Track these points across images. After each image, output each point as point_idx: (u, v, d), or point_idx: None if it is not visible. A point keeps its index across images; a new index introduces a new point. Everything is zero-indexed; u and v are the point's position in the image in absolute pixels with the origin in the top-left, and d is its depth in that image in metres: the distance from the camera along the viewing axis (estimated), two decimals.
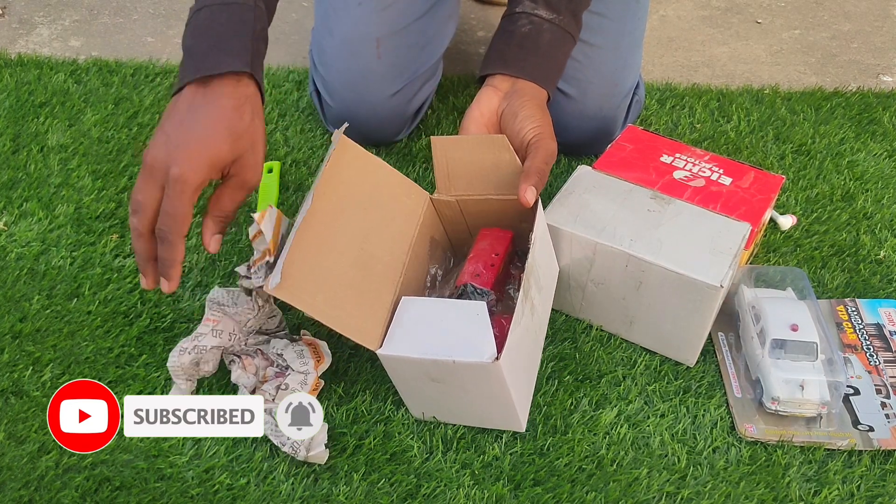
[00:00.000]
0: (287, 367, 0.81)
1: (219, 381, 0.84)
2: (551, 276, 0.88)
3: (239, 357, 0.82)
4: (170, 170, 0.70)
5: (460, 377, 0.74)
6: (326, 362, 0.81)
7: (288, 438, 0.75)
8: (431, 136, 0.86)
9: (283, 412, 0.76)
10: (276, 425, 0.76)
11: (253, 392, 0.79)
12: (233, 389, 0.83)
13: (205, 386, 0.83)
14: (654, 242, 0.84)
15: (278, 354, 0.82)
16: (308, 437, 0.76)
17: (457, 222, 0.92)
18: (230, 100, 0.74)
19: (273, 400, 0.78)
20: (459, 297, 0.83)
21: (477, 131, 0.88)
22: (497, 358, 0.71)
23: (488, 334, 0.73)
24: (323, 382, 0.83)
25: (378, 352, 0.76)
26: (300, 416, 0.76)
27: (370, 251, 0.81)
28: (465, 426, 0.81)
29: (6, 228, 1.00)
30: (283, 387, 0.79)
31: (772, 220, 1.06)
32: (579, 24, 0.93)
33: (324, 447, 0.76)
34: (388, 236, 0.84)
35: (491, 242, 0.87)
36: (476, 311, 0.75)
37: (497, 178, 0.85)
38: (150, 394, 0.83)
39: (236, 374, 0.81)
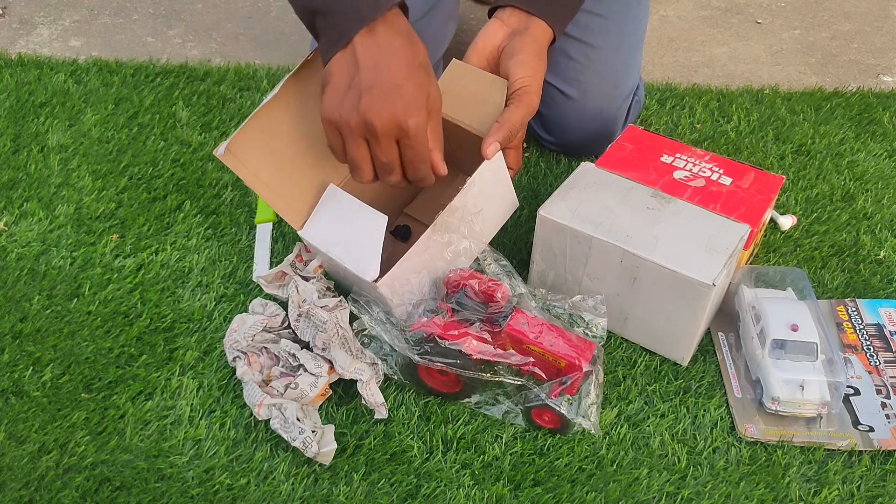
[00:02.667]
0: (299, 367, 0.81)
1: (219, 382, 0.84)
2: (498, 214, 0.90)
3: (245, 354, 0.82)
4: (407, 122, 0.72)
5: (357, 283, 0.82)
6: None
7: (300, 433, 0.75)
8: (454, 59, 0.88)
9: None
10: (286, 420, 0.76)
11: (260, 388, 0.79)
12: (234, 388, 0.83)
13: (205, 387, 0.83)
14: (650, 239, 0.84)
15: (291, 354, 0.82)
16: (319, 433, 0.76)
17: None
18: (402, 37, 0.74)
19: (282, 396, 0.78)
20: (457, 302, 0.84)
21: (477, 64, 0.88)
22: (377, 280, 0.79)
23: (377, 251, 0.78)
24: (331, 392, 0.83)
25: (299, 232, 0.87)
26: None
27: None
28: (463, 426, 0.81)
29: (6, 229, 1.00)
30: (292, 386, 0.79)
31: (772, 220, 1.06)
32: None
33: (333, 446, 0.76)
34: None
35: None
36: (375, 226, 0.79)
37: (478, 112, 0.85)
38: (149, 394, 0.83)
39: (242, 370, 0.81)
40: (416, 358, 0.79)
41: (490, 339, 0.80)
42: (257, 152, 0.84)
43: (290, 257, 0.91)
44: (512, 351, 0.80)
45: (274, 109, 0.83)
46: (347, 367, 0.80)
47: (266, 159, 0.85)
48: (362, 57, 0.72)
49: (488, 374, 0.80)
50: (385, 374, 0.82)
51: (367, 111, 0.72)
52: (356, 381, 0.80)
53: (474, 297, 0.83)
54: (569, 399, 0.80)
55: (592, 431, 0.80)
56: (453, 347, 0.78)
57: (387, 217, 0.81)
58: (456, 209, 0.83)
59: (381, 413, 0.79)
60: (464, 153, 0.91)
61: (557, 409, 0.78)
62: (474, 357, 0.78)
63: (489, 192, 0.87)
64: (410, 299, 0.85)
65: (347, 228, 0.84)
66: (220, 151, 0.80)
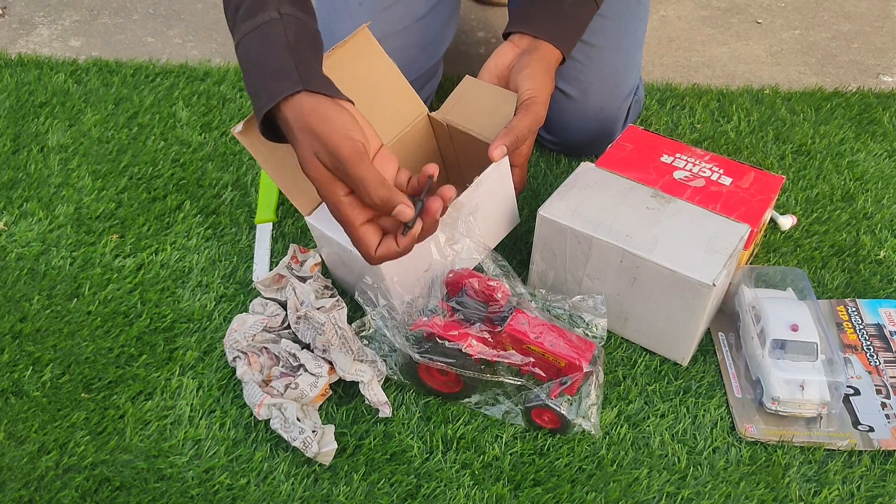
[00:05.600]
0: (299, 367, 0.81)
1: (219, 382, 0.84)
2: (500, 223, 0.93)
3: (245, 354, 0.82)
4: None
5: (357, 264, 0.83)
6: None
7: (300, 433, 0.75)
8: (467, 75, 0.93)
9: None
10: (286, 420, 0.76)
11: (260, 387, 0.79)
12: (234, 388, 0.83)
13: (205, 387, 0.83)
14: (650, 239, 0.84)
15: (291, 354, 0.82)
16: (320, 433, 0.76)
17: (447, 145, 0.98)
18: (292, 132, 0.72)
19: (282, 396, 0.78)
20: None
21: (489, 80, 0.94)
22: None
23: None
24: (332, 392, 0.83)
25: (306, 218, 0.89)
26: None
27: None
28: (463, 426, 0.81)
29: (6, 228, 1.00)
30: (293, 386, 0.79)
31: (772, 220, 1.06)
32: None
33: (333, 446, 0.76)
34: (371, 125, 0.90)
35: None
36: None
37: (488, 122, 0.90)
38: (149, 394, 0.83)
39: (242, 370, 0.81)
40: (417, 356, 0.79)
41: (490, 339, 0.80)
42: None
43: (286, 259, 0.91)
44: (512, 351, 0.80)
45: None
46: (348, 369, 0.80)
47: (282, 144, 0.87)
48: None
49: (488, 374, 0.80)
50: (385, 375, 0.82)
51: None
52: (357, 382, 0.80)
53: (475, 297, 0.83)
54: (569, 399, 0.80)
55: (592, 432, 0.80)
56: (453, 347, 0.78)
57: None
58: (462, 205, 0.85)
59: (385, 412, 0.79)
60: (473, 161, 0.94)
61: (557, 409, 0.78)
62: (474, 357, 0.78)
63: (493, 198, 0.90)
64: (414, 293, 0.86)
65: None
66: (237, 129, 0.81)
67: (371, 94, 0.91)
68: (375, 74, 0.92)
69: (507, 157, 0.86)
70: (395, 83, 0.93)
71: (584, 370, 0.78)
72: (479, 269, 0.88)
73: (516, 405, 0.81)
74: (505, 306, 0.82)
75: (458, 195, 0.87)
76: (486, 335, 0.80)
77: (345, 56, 0.87)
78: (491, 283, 0.82)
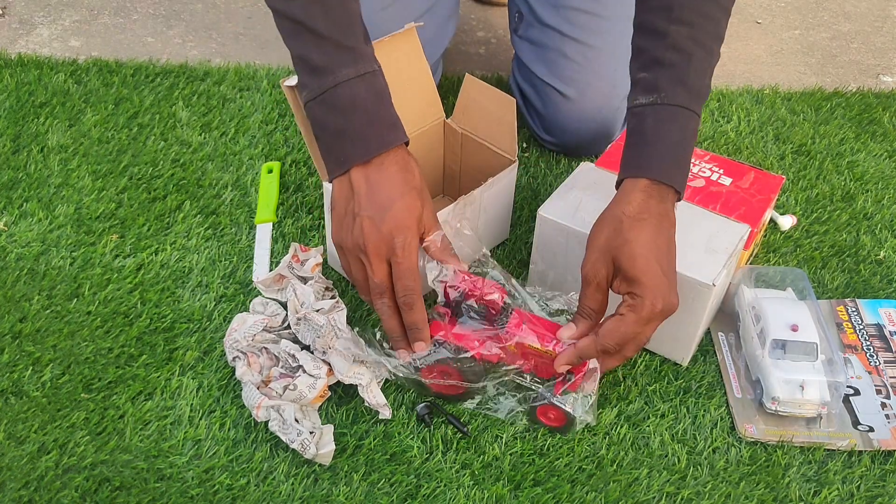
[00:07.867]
0: (298, 368, 0.81)
1: (219, 382, 0.84)
2: (494, 230, 1.00)
3: (244, 354, 0.82)
4: (393, 241, 0.75)
5: None
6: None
7: (298, 435, 0.75)
8: (467, 74, 0.97)
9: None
10: (284, 422, 0.76)
11: (259, 389, 0.79)
12: (233, 388, 0.83)
13: (205, 387, 0.83)
14: None
15: (290, 355, 0.82)
16: (318, 434, 0.76)
17: (454, 153, 1.02)
18: (396, 167, 0.77)
19: (280, 397, 0.78)
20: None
21: (596, 233, 0.79)
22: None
23: None
24: (330, 393, 0.83)
25: (324, 184, 0.89)
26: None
27: None
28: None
29: (6, 228, 1.00)
30: (291, 387, 0.79)
31: (772, 220, 1.06)
32: (691, 85, 0.77)
33: (332, 447, 0.76)
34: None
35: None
36: None
37: (494, 130, 0.95)
38: (149, 394, 0.83)
39: (241, 371, 0.81)
40: (419, 363, 0.79)
41: (490, 339, 0.80)
42: None
43: (287, 258, 0.91)
44: (513, 351, 0.80)
45: None
46: (346, 372, 0.80)
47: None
48: (357, 184, 0.76)
49: (489, 377, 0.80)
50: (385, 377, 0.83)
51: (359, 233, 0.76)
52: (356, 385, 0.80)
53: (473, 298, 0.83)
54: (574, 396, 0.80)
55: (592, 423, 0.80)
56: (455, 347, 0.78)
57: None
58: (467, 201, 0.89)
59: (385, 413, 0.79)
60: (475, 169, 0.99)
61: (563, 406, 0.78)
62: (476, 356, 0.78)
63: (494, 205, 0.94)
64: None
65: None
66: (288, 82, 0.82)
67: (398, 90, 0.93)
68: (409, 72, 0.95)
69: (515, 171, 0.95)
70: (423, 85, 0.97)
71: (588, 367, 0.78)
72: (479, 273, 0.88)
73: (520, 404, 0.81)
74: (504, 307, 0.82)
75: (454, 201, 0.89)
76: (487, 336, 0.80)
77: (387, 49, 0.90)
78: (490, 285, 0.82)
